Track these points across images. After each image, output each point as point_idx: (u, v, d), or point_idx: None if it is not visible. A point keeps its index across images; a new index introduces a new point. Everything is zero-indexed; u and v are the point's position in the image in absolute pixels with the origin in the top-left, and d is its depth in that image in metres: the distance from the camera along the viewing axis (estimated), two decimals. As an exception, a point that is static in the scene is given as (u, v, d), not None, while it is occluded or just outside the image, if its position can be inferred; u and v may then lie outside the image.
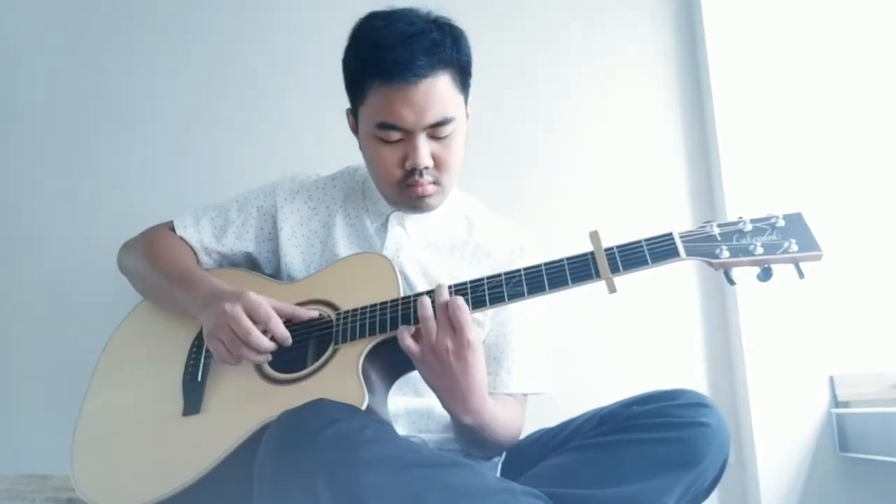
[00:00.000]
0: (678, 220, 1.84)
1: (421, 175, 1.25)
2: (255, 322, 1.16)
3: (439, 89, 1.22)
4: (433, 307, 1.13)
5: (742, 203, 1.76)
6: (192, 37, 1.94)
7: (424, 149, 1.23)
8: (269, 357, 1.19)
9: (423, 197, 1.27)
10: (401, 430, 1.28)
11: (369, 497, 0.92)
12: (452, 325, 1.10)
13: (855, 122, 1.81)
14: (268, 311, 1.18)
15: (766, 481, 1.66)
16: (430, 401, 1.30)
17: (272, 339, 1.18)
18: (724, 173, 1.78)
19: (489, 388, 1.29)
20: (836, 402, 1.69)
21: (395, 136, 1.23)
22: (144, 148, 1.89)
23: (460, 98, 1.27)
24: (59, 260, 1.84)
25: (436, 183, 1.27)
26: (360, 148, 1.34)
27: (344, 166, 1.50)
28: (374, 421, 1.05)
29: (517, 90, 1.88)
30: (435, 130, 1.23)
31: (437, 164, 1.26)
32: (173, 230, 1.42)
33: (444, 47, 1.22)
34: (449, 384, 1.13)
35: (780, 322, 1.71)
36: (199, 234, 1.41)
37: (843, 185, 1.78)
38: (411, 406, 1.30)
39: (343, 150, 1.50)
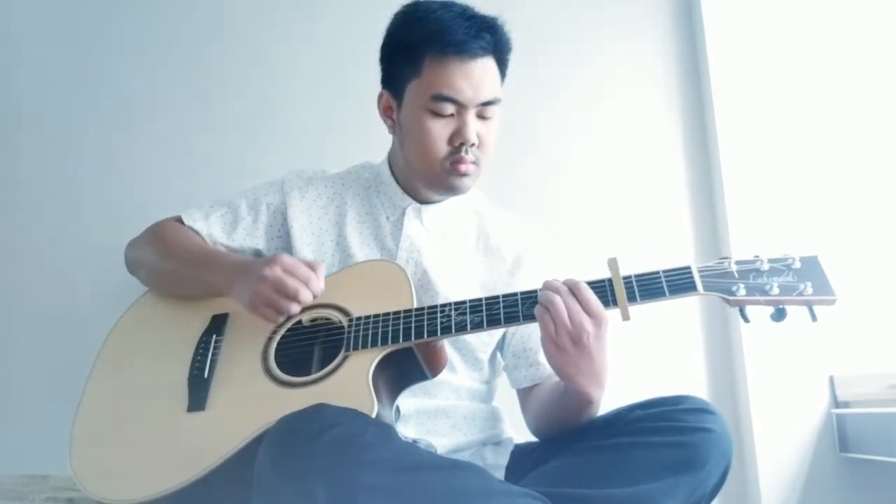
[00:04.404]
0: (677, 221, 1.85)
1: (466, 152, 1.28)
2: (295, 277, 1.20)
3: (492, 69, 1.29)
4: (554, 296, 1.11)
5: (742, 204, 1.77)
6: (194, 35, 1.93)
7: (474, 126, 1.27)
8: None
9: (463, 175, 1.30)
10: (411, 431, 1.28)
11: (368, 501, 0.92)
12: (588, 310, 1.10)
13: (855, 122, 1.81)
14: (307, 271, 1.21)
15: (766, 481, 1.67)
16: (440, 402, 1.32)
17: None
18: (724, 174, 1.79)
19: (535, 379, 1.36)
20: (836, 403, 1.70)
21: (449, 109, 1.26)
22: (146, 146, 1.89)
23: (500, 85, 1.33)
24: (60, 259, 1.84)
25: (475, 163, 1.30)
26: (399, 128, 1.34)
27: (350, 164, 1.50)
28: (374, 424, 1.05)
29: (515, 90, 1.87)
30: (484, 109, 1.28)
31: (480, 143, 1.29)
32: (180, 223, 1.41)
33: (500, 32, 1.30)
34: (587, 365, 1.12)
35: (781, 322, 1.71)
36: (208, 228, 1.40)
37: (842, 186, 1.78)
38: (422, 407, 1.31)
39: (348, 148, 1.51)
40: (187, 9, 1.94)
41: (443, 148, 1.28)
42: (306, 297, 1.19)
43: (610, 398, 1.24)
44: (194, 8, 1.94)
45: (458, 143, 1.27)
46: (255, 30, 1.93)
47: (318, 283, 1.21)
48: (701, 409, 1.11)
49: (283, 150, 1.87)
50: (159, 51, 1.92)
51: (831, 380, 1.71)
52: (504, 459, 1.31)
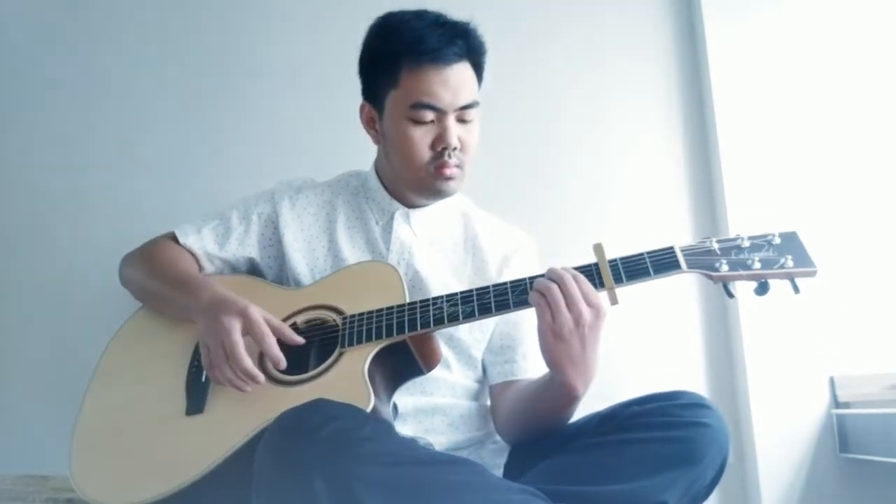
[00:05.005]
0: (678, 220, 1.85)
1: (449, 156, 1.30)
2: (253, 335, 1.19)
3: (468, 74, 1.32)
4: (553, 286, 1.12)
5: (742, 202, 1.77)
6: (195, 38, 1.94)
7: (455, 130, 1.30)
8: (260, 377, 1.18)
9: (448, 179, 1.32)
10: (409, 429, 1.29)
11: (367, 495, 0.93)
12: (587, 299, 1.11)
13: (855, 124, 1.81)
14: (264, 330, 1.18)
15: (766, 482, 1.66)
16: (437, 400, 1.33)
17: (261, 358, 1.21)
18: (725, 175, 1.79)
19: (508, 376, 1.36)
20: (836, 403, 1.69)
21: (429, 116, 1.29)
22: (146, 149, 1.89)
23: (478, 88, 1.35)
24: (60, 260, 1.84)
25: (459, 167, 1.32)
26: (382, 137, 1.37)
27: (344, 170, 1.52)
28: (373, 419, 1.06)
29: (514, 93, 1.88)
30: (463, 113, 1.31)
31: (462, 146, 1.32)
32: (174, 240, 1.43)
33: (472, 37, 1.33)
34: (579, 355, 1.13)
35: (781, 323, 1.71)
36: (201, 241, 1.42)
37: (843, 187, 1.78)
38: (419, 405, 1.31)
39: (347, 152, 1.52)
40: (188, 11, 1.95)
41: (426, 154, 1.31)
42: (240, 358, 1.16)
43: (609, 396, 1.24)
44: (195, 10, 1.95)
45: (440, 148, 1.30)
46: (258, 32, 1.93)
47: (272, 345, 1.18)
48: (697, 404, 1.12)
49: (284, 153, 1.87)
50: (160, 53, 1.93)
51: (831, 380, 1.71)
52: (502, 458, 1.31)
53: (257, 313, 1.20)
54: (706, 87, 1.85)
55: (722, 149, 1.80)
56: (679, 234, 1.83)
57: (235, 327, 1.18)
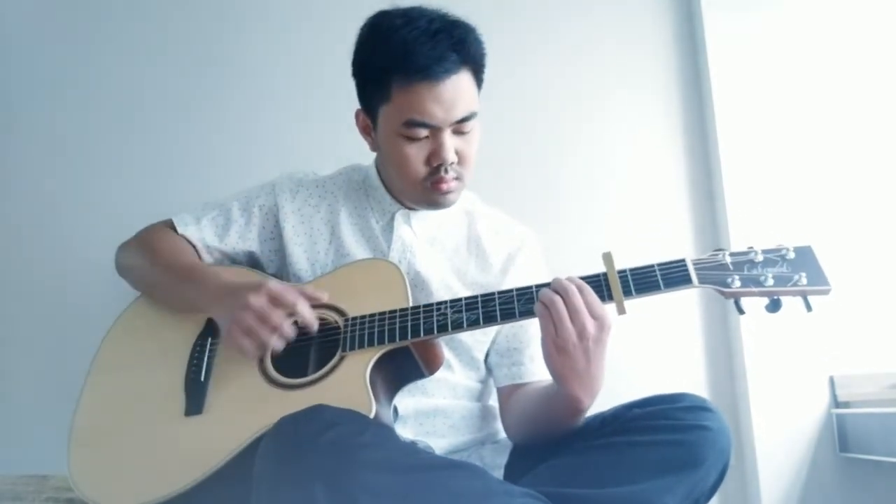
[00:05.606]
0: (677, 217, 1.86)
1: (446, 171, 1.26)
2: (282, 307, 1.17)
3: (465, 85, 1.24)
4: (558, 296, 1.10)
5: (741, 199, 1.78)
6: (192, 36, 1.94)
7: (451, 145, 1.25)
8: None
9: (446, 193, 1.28)
10: (409, 431, 1.28)
11: (367, 501, 0.92)
12: (591, 312, 1.09)
13: (854, 121, 1.81)
14: (295, 295, 1.18)
15: (766, 481, 1.67)
16: (438, 401, 1.32)
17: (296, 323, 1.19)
18: (724, 173, 1.79)
19: (515, 379, 1.34)
20: (836, 403, 1.70)
21: (423, 133, 1.24)
22: (143, 147, 1.89)
23: (477, 93, 1.29)
24: (59, 259, 1.84)
25: (458, 179, 1.29)
26: (378, 147, 1.34)
27: (344, 166, 1.50)
28: (373, 424, 1.05)
29: (513, 93, 1.88)
30: (460, 126, 1.25)
31: (460, 159, 1.27)
32: (172, 229, 1.41)
33: (468, 43, 1.24)
34: (584, 368, 1.10)
35: (781, 323, 1.70)
36: (200, 233, 1.40)
37: (843, 185, 1.78)
38: (420, 407, 1.31)
39: (345, 150, 1.51)
40: (185, 9, 1.94)
41: (421, 170, 1.27)
42: (288, 331, 1.17)
43: (610, 397, 1.23)
44: (192, 8, 1.94)
45: (435, 164, 1.25)
46: (255, 29, 1.93)
47: (304, 308, 1.18)
48: (699, 407, 1.11)
49: (281, 150, 1.87)
50: (160, 54, 1.93)
51: (831, 380, 1.71)
52: (503, 459, 1.30)
53: (278, 282, 1.19)
54: (706, 82, 1.85)
55: (721, 145, 1.80)
56: (678, 232, 1.84)
57: (265, 304, 1.15)
